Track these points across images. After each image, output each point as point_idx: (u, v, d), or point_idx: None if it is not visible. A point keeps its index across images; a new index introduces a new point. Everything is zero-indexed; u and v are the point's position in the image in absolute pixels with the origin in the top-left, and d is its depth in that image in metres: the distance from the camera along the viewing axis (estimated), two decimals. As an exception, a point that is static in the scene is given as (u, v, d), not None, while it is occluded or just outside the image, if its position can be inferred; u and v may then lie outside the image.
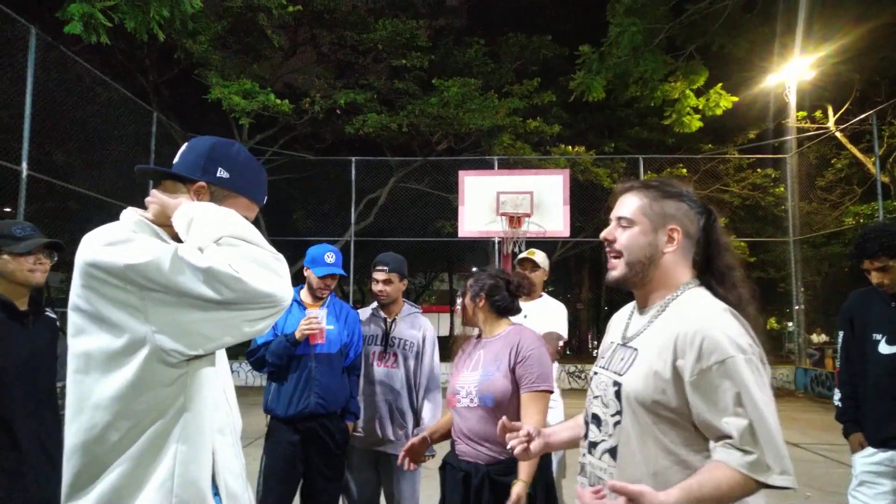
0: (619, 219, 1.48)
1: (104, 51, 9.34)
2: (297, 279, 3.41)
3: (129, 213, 1.40)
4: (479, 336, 2.60)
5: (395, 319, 3.44)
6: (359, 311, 3.57)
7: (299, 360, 3.18)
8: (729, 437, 1.29)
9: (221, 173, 1.41)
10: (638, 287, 1.49)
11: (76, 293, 1.24)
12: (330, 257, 3.30)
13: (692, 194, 1.49)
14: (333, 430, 3.24)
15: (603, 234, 1.51)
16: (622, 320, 1.58)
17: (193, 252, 1.19)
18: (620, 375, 1.44)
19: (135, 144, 11.10)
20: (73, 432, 1.25)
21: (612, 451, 1.44)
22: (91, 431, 1.22)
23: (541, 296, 4.01)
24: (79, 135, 9.94)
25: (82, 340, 1.24)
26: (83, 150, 10.61)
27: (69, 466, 1.25)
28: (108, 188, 10.06)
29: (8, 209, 8.13)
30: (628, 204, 1.48)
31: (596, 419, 1.50)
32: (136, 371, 1.21)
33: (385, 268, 3.36)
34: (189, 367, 1.27)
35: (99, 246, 1.22)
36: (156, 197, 1.39)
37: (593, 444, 1.50)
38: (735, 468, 1.27)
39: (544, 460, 2.39)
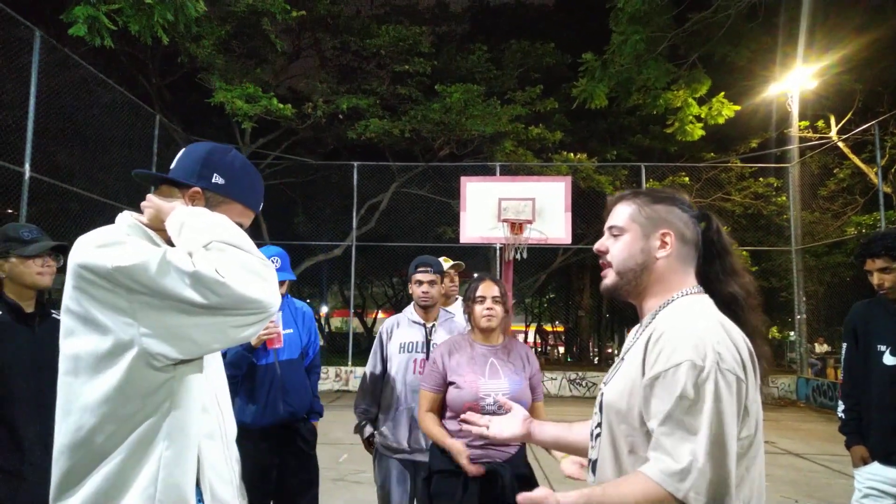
0: (611, 228, 1.46)
1: (108, 54, 9.36)
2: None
3: (125, 217, 1.41)
4: (474, 341, 2.66)
5: (434, 325, 3.32)
6: (389, 318, 3.44)
7: (265, 369, 3.14)
8: (658, 446, 1.19)
9: (217, 179, 1.43)
10: (632, 296, 1.44)
11: (68, 295, 1.25)
12: (274, 262, 3.20)
13: (686, 200, 1.45)
14: (303, 432, 3.23)
15: (596, 246, 1.48)
16: (631, 333, 1.52)
17: (181, 256, 1.19)
18: (605, 385, 1.41)
19: (137, 147, 11.11)
20: (61, 433, 1.25)
21: (594, 466, 1.40)
22: (78, 434, 1.23)
23: (457, 299, 4.10)
24: (81, 137, 9.96)
25: (72, 342, 1.25)
26: (85, 153, 10.61)
27: (57, 468, 1.25)
28: (110, 190, 10.07)
29: (10, 210, 8.14)
30: (619, 213, 1.45)
31: (591, 435, 1.46)
32: (122, 374, 1.21)
33: (429, 268, 3.28)
34: (176, 372, 1.27)
35: (90, 248, 1.23)
36: (151, 201, 1.39)
37: (590, 460, 1.45)
38: (648, 475, 1.17)
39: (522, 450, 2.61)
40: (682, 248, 1.39)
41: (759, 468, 1.27)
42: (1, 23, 7.31)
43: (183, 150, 1.48)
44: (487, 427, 1.83)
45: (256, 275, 1.22)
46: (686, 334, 1.22)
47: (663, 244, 1.38)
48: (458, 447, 2.40)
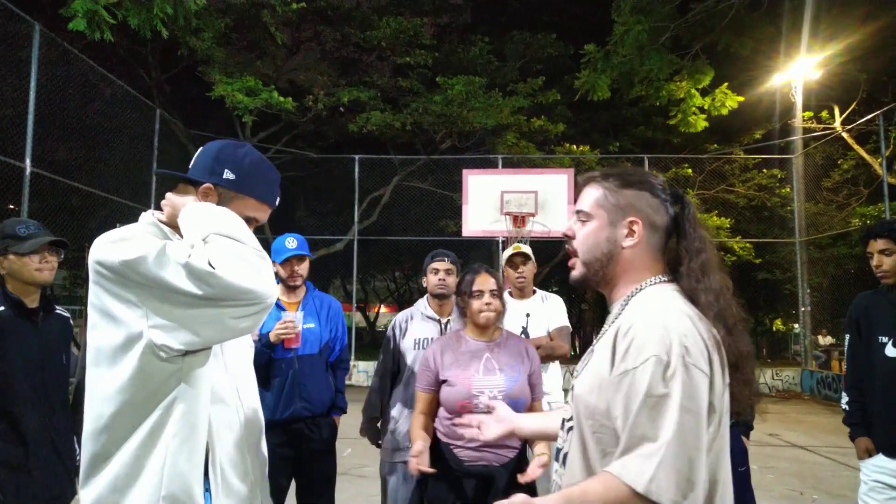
0: (578, 213, 1.39)
1: (107, 48, 9.32)
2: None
3: (146, 216, 1.49)
4: (469, 336, 2.56)
5: (448, 321, 3.20)
6: (401, 313, 3.34)
7: (282, 363, 3.12)
8: (625, 444, 1.17)
9: (227, 175, 1.46)
10: (600, 286, 1.39)
11: (90, 290, 1.34)
12: (291, 242, 3.19)
13: (660, 182, 1.37)
14: (322, 425, 3.20)
15: (563, 229, 1.43)
16: (605, 324, 1.50)
17: (178, 248, 1.25)
18: (576, 377, 1.38)
19: (138, 142, 11.10)
20: (88, 421, 1.33)
21: (565, 458, 1.37)
22: (99, 421, 1.30)
23: (534, 292, 3.83)
24: (82, 132, 9.94)
25: (94, 335, 1.32)
26: (86, 147, 10.61)
27: (84, 453, 1.33)
28: (111, 185, 10.06)
29: (12, 206, 8.14)
30: (587, 196, 1.38)
31: (563, 424, 1.44)
32: (135, 365, 1.27)
33: (446, 258, 3.22)
34: (184, 363, 1.32)
35: (104, 244, 1.31)
36: (168, 199, 1.46)
37: (558, 450, 1.44)
38: (614, 473, 1.15)
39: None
40: (651, 236, 1.33)
41: (725, 464, 1.24)
42: (0, 17, 7.28)
43: (200, 149, 1.53)
44: (479, 428, 1.77)
45: (250, 265, 1.26)
46: (652, 328, 1.19)
47: (630, 233, 1.32)
48: (415, 448, 2.28)
